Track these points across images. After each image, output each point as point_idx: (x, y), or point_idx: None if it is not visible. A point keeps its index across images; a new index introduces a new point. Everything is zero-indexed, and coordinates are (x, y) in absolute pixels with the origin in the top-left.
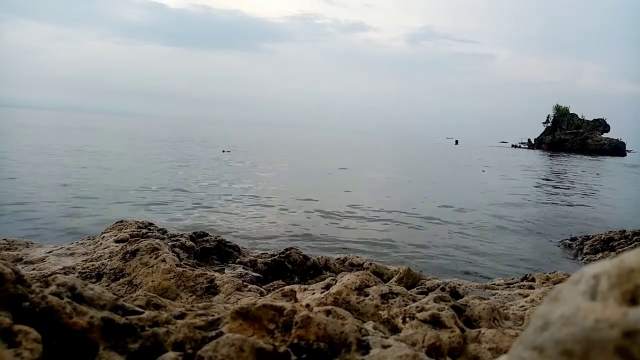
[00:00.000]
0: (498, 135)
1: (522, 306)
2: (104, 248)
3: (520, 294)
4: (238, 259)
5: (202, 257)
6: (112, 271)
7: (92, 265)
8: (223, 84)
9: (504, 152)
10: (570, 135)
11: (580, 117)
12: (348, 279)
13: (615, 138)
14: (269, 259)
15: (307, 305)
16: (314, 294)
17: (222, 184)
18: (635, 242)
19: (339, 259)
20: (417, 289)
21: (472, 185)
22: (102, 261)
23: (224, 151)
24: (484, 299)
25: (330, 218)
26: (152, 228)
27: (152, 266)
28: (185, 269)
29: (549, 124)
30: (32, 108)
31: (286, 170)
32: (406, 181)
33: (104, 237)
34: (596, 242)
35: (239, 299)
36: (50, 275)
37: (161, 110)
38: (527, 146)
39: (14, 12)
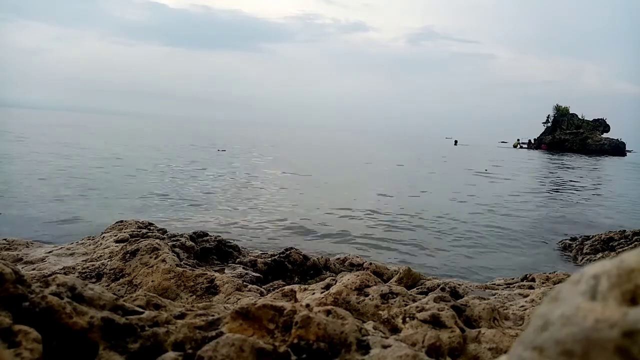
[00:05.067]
0: (498, 135)
1: (522, 306)
2: (104, 248)
3: (520, 294)
4: (238, 259)
5: (202, 257)
6: (112, 271)
7: (92, 265)
8: (223, 84)
9: (504, 152)
10: (570, 135)
11: (580, 117)
12: (348, 279)
13: (615, 138)
14: (269, 259)
15: (307, 305)
16: (314, 294)
17: (218, 183)
18: (635, 242)
19: (339, 259)
20: (417, 289)
21: (471, 185)
22: (102, 261)
23: (219, 150)
24: (484, 299)
25: (330, 218)
26: (152, 228)
27: (152, 266)
28: (185, 269)
29: (549, 124)
30: (32, 108)
31: (284, 170)
32: (406, 182)
33: (104, 237)
34: (596, 242)
35: (239, 299)
36: (50, 275)
37: (161, 110)
38: (527, 146)
39: (16, 12)
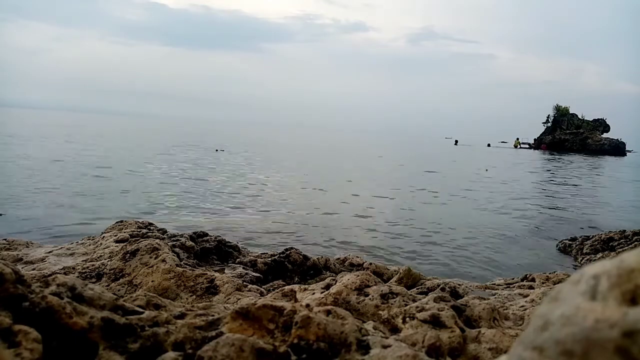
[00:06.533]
0: (498, 135)
1: (522, 306)
2: (104, 248)
3: (520, 294)
4: (238, 259)
5: (202, 257)
6: (112, 271)
7: (92, 265)
8: (223, 84)
9: (505, 152)
10: (570, 135)
11: (580, 117)
12: (348, 279)
13: (615, 138)
14: (269, 259)
15: (307, 305)
16: (314, 294)
17: (217, 183)
18: (635, 242)
19: (339, 259)
20: (417, 289)
21: (471, 186)
22: (102, 261)
23: (217, 150)
24: (484, 299)
25: (330, 217)
26: (152, 228)
27: (152, 266)
28: (185, 269)
29: (549, 124)
30: (32, 108)
31: (283, 170)
32: (405, 182)
33: (104, 237)
34: (596, 242)
35: (239, 299)
36: (50, 275)
37: (161, 110)
38: (527, 146)
39: (16, 12)
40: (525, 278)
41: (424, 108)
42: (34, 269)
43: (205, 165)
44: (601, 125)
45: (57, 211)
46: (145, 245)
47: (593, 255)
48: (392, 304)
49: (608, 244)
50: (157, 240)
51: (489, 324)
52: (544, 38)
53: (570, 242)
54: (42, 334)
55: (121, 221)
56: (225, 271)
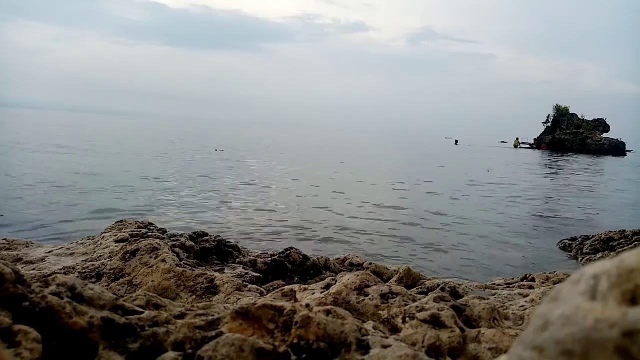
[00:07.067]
0: (498, 135)
1: (522, 306)
2: (104, 248)
3: (520, 294)
4: (238, 259)
5: (202, 257)
6: (112, 271)
7: (92, 265)
8: (223, 84)
9: (505, 153)
10: (570, 135)
11: (580, 117)
12: (348, 279)
13: (615, 138)
14: (269, 259)
15: (307, 305)
16: (314, 294)
17: (217, 183)
18: (635, 242)
19: (339, 259)
20: (417, 289)
21: (472, 186)
22: (102, 261)
23: (216, 150)
24: (484, 299)
25: (330, 217)
26: (152, 228)
27: (152, 266)
28: (185, 269)
29: (549, 124)
30: (32, 108)
31: (283, 170)
32: (406, 181)
33: (104, 237)
34: (596, 242)
35: (239, 299)
36: (50, 275)
37: (161, 110)
38: (528, 146)
39: (16, 12)
40: (525, 278)
41: (424, 108)
42: (34, 269)
43: (204, 165)
44: (601, 125)
45: (57, 211)
46: (145, 245)
47: (593, 255)
48: (392, 304)
49: (608, 244)
50: (157, 240)
51: (489, 324)
52: (544, 38)
53: (570, 242)
54: (42, 334)
55: (121, 221)
56: (225, 271)
